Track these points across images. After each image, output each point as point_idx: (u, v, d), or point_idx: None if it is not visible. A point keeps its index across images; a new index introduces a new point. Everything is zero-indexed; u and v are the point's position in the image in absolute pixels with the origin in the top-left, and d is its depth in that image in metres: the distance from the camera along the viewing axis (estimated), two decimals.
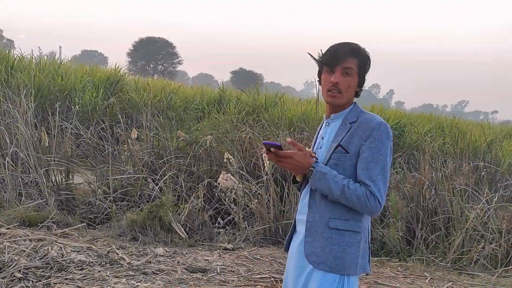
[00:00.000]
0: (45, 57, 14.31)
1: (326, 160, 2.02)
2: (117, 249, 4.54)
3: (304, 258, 2.02)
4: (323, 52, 2.09)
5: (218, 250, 5.02)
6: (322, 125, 2.19)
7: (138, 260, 4.34)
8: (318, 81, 2.12)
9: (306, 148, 2.06)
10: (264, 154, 2.02)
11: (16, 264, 3.76)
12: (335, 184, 1.92)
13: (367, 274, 2.08)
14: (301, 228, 2.09)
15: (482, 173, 7.76)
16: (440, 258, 5.54)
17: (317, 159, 2.05)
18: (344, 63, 2.00)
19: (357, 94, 2.09)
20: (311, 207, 2.03)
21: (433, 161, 7.42)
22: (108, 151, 7.26)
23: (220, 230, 5.84)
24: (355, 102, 2.10)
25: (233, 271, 4.45)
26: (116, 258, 4.27)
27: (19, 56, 13.68)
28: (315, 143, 2.18)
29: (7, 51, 13.50)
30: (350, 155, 1.97)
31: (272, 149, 1.97)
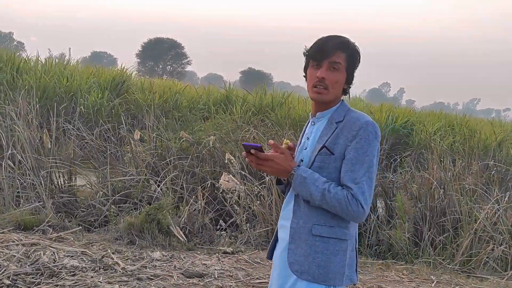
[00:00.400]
0: (53, 58, 14.27)
1: (311, 163, 1.87)
2: (113, 253, 4.42)
3: (287, 267, 1.88)
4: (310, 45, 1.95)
5: (217, 254, 4.89)
6: (307, 124, 2.05)
7: (134, 265, 4.21)
8: (304, 76, 1.98)
9: (285, 141, 1.93)
10: (244, 157, 1.89)
11: (5, 270, 3.65)
12: (316, 189, 1.78)
13: (354, 285, 1.93)
14: (283, 235, 1.95)
15: (492, 172, 7.54)
16: (448, 261, 5.36)
17: (301, 161, 1.91)
18: (332, 57, 1.86)
19: (345, 92, 1.95)
20: (296, 213, 1.89)
21: (442, 160, 7.23)
22: (111, 153, 7.18)
23: (222, 232, 5.72)
24: (342, 100, 1.96)
25: (232, 276, 4.32)
26: (110, 263, 4.15)
27: (25, 58, 13.71)
28: (300, 144, 2.04)
29: (13, 54, 13.52)
30: (335, 157, 1.82)
31: (252, 151, 1.85)
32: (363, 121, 1.82)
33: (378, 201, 6.32)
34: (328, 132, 1.87)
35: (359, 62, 1.93)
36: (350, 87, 1.95)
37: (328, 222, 1.83)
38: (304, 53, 1.96)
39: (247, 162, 1.91)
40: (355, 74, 1.93)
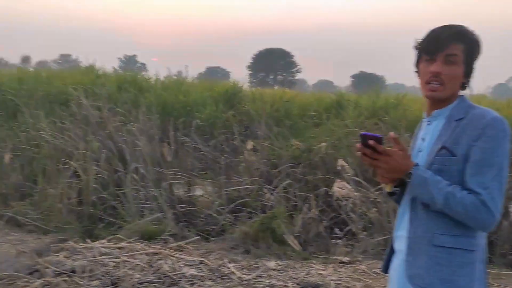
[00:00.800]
0: (171, 76, 15.19)
1: (428, 165, 1.69)
2: (229, 262, 4.49)
3: (406, 281, 1.70)
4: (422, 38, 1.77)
5: (333, 264, 4.74)
6: (421, 125, 1.86)
7: (249, 274, 4.23)
8: (416, 71, 1.80)
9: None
10: (357, 150, 1.69)
11: (130, 279, 3.86)
12: (438, 191, 1.59)
13: None
14: (400, 246, 1.78)
15: None
16: None
17: (417, 164, 1.73)
18: (447, 49, 1.67)
19: (463, 86, 1.74)
20: (413, 222, 1.72)
21: None
22: (225, 163, 7.38)
23: (338, 241, 5.56)
24: (462, 96, 1.75)
25: (349, 287, 4.15)
26: (227, 272, 4.21)
27: (146, 78, 14.77)
28: (413, 147, 1.85)
29: (136, 74, 14.66)
30: (457, 158, 1.62)
31: (371, 142, 1.64)
32: (489, 118, 1.61)
33: (511, 205, 5.74)
34: (447, 131, 1.68)
35: (480, 52, 1.71)
36: (469, 81, 1.74)
37: (451, 231, 1.64)
38: (415, 47, 1.78)
39: (358, 155, 1.69)
40: (474, 66, 1.72)
